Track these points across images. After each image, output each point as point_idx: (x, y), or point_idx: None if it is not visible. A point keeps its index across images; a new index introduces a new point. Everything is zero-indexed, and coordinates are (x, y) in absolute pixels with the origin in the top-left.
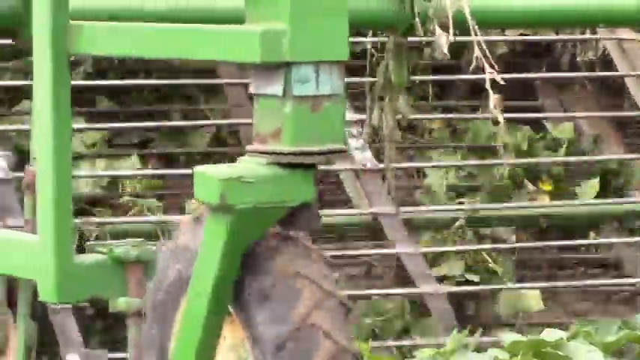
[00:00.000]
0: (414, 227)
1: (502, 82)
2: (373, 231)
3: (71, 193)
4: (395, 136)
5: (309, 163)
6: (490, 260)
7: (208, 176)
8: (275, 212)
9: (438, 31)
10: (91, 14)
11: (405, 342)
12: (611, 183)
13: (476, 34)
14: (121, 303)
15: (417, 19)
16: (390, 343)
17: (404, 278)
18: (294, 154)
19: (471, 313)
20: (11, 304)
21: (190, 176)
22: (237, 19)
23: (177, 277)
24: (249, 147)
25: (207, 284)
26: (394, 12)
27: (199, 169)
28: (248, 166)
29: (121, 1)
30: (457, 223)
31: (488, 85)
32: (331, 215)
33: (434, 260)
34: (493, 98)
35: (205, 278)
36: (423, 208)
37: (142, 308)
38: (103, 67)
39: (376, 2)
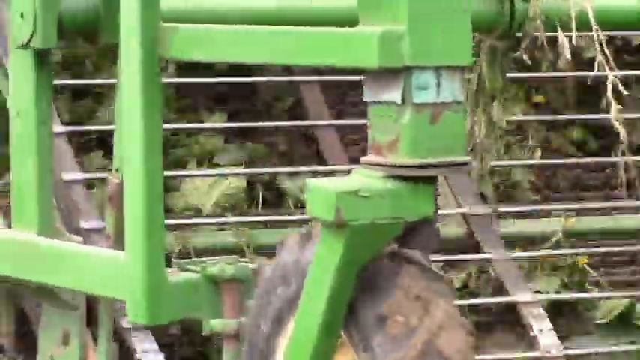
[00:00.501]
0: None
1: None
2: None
3: (162, 206)
4: (489, 145)
5: (430, 177)
6: (591, 272)
7: (322, 190)
8: (392, 229)
9: (561, 37)
10: (185, 16)
11: (502, 355)
12: None
13: (598, 37)
14: (216, 324)
15: (515, 21)
16: (488, 356)
17: (495, 288)
18: (414, 166)
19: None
20: (90, 323)
21: None
22: (342, 20)
23: (281, 298)
24: (363, 159)
25: (319, 306)
26: (493, 13)
27: (313, 182)
28: (363, 179)
29: (218, 1)
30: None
31: (609, 92)
32: None
33: (528, 276)
34: (614, 109)
35: (317, 299)
36: (518, 208)
37: (240, 330)
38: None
39: (475, 3)
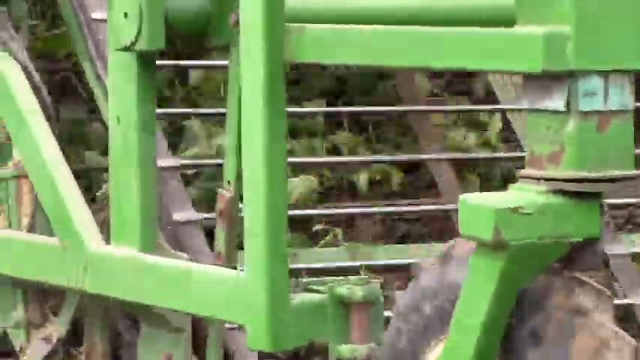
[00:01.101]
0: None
1: None
2: None
3: (287, 222)
4: None
5: (596, 192)
6: None
7: (479, 207)
8: (556, 249)
9: None
10: (311, 15)
11: None
12: None
13: None
14: (345, 350)
15: None
16: None
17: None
18: (579, 180)
19: None
20: (197, 349)
21: None
22: (489, 19)
23: (424, 322)
24: (522, 172)
25: (473, 333)
26: None
27: (467, 197)
28: (523, 194)
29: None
30: None
31: None
32: None
33: None
34: None
35: (470, 327)
36: None
37: (371, 356)
38: None
39: None
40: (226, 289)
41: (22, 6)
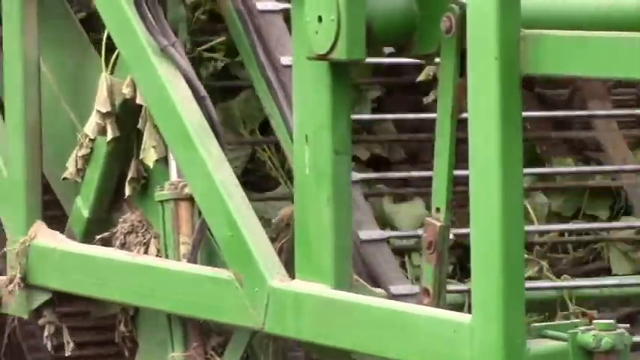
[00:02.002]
0: None
1: None
2: None
3: (524, 258)
4: None
5: None
6: None
7: None
8: None
9: None
10: (549, 18)
11: None
12: None
13: None
14: None
15: None
16: None
17: None
18: None
19: None
20: None
21: None
22: None
23: None
24: None
25: None
26: None
27: None
28: None
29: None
30: None
31: None
32: None
33: None
34: None
35: None
36: None
37: None
38: None
39: None
40: (448, 335)
41: (179, 8)
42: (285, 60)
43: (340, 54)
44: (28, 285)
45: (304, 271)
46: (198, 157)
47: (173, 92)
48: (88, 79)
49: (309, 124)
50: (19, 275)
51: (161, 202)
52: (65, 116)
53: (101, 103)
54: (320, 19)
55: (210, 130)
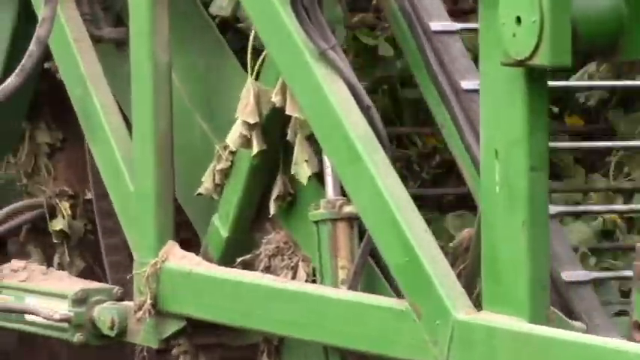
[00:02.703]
0: None
1: None
2: None
3: None
4: None
5: None
6: None
7: None
8: None
9: None
10: None
11: None
12: None
13: None
14: None
15: None
16: None
17: None
18: None
19: None
20: None
21: None
22: None
23: None
24: None
25: None
26: None
27: None
28: None
29: None
30: None
31: None
32: None
33: None
34: None
35: None
36: None
37: None
38: None
39: None
40: None
41: (336, 9)
42: (466, 84)
43: (543, 59)
44: (159, 312)
45: (494, 303)
46: (366, 171)
47: (334, 100)
48: (222, 84)
49: (499, 137)
50: (149, 301)
51: (316, 222)
52: (195, 126)
53: (248, 113)
54: (519, 20)
55: (377, 141)
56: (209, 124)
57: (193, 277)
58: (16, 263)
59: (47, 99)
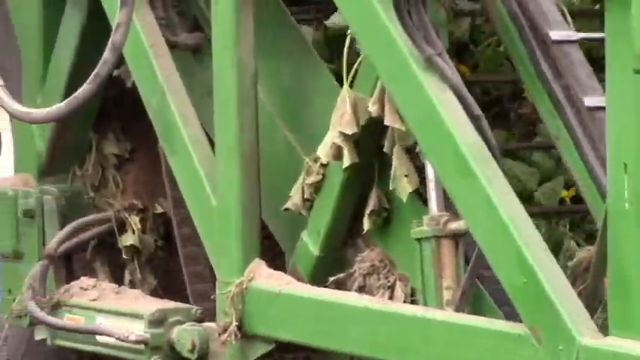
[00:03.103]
0: None
1: None
2: None
3: None
4: None
5: None
6: None
7: None
8: None
9: None
10: None
11: None
12: None
13: None
14: None
15: None
16: None
17: None
18: None
19: None
20: None
21: None
22: None
23: None
24: None
25: None
26: None
27: None
28: None
29: None
30: None
31: None
32: None
33: None
34: None
35: None
36: None
37: None
38: None
39: None
40: None
41: (438, 12)
42: (590, 101)
43: None
44: (244, 334)
45: (622, 327)
46: (479, 185)
47: (443, 110)
48: (309, 92)
49: (629, 150)
50: (235, 323)
51: (418, 239)
52: (279, 136)
53: (346, 123)
54: None
55: (488, 153)
56: (294, 134)
57: (283, 298)
58: (85, 281)
59: (115, 108)
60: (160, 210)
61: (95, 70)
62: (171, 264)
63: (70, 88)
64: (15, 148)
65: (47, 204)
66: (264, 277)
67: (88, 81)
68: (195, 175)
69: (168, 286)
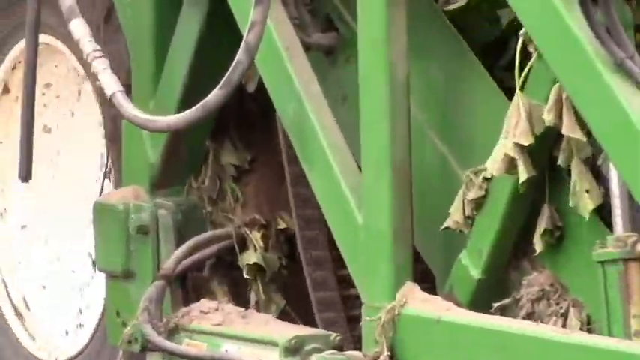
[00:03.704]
0: None
1: None
2: None
3: None
4: None
5: None
6: None
7: None
8: None
9: None
10: None
11: None
12: None
13: None
14: None
15: None
16: None
17: None
18: None
19: None
20: None
21: None
22: None
23: None
24: None
25: None
26: None
27: None
28: None
29: None
30: None
31: None
32: None
33: None
34: None
35: None
36: None
37: None
38: None
39: None
40: None
41: (624, 10)
42: None
43: None
44: None
45: None
46: None
47: (637, 118)
48: (465, 98)
49: None
50: (386, 352)
51: (601, 262)
52: (430, 147)
53: (521, 133)
54: None
55: None
56: (448, 145)
57: (444, 325)
58: (206, 303)
59: (233, 114)
60: (282, 225)
61: (227, 74)
62: (294, 285)
63: (187, 94)
64: (124, 159)
65: (162, 219)
66: (419, 302)
67: (219, 86)
68: (338, 190)
69: (291, 309)
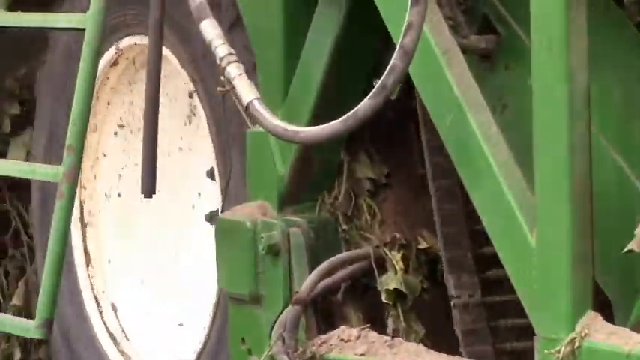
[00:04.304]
0: None
1: None
2: None
3: None
4: None
5: None
6: None
7: None
8: None
9: None
10: None
11: None
12: None
13: None
14: None
15: None
16: None
17: None
18: None
19: None
20: None
21: None
22: None
23: None
24: None
25: None
26: None
27: None
28: None
29: None
30: None
31: None
32: None
33: None
34: None
35: None
36: None
37: None
38: None
39: None
40: None
41: None
42: None
43: None
44: None
45: None
46: None
47: None
48: None
49: None
50: None
51: None
52: (608, 163)
53: None
54: None
55: None
56: (628, 160)
57: None
58: (347, 331)
59: (369, 124)
60: (423, 245)
61: (380, 81)
62: (437, 311)
63: (322, 102)
64: (249, 172)
65: (294, 238)
66: (603, 335)
67: (370, 94)
68: (506, 208)
69: (431, 338)
